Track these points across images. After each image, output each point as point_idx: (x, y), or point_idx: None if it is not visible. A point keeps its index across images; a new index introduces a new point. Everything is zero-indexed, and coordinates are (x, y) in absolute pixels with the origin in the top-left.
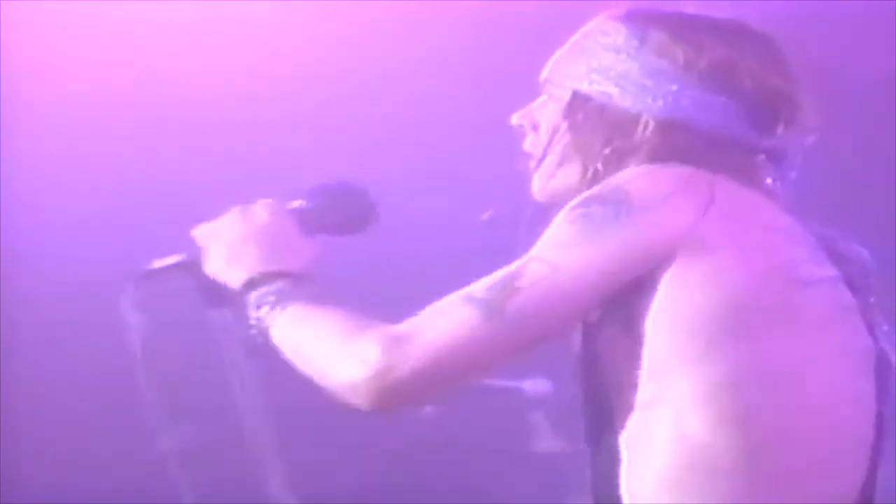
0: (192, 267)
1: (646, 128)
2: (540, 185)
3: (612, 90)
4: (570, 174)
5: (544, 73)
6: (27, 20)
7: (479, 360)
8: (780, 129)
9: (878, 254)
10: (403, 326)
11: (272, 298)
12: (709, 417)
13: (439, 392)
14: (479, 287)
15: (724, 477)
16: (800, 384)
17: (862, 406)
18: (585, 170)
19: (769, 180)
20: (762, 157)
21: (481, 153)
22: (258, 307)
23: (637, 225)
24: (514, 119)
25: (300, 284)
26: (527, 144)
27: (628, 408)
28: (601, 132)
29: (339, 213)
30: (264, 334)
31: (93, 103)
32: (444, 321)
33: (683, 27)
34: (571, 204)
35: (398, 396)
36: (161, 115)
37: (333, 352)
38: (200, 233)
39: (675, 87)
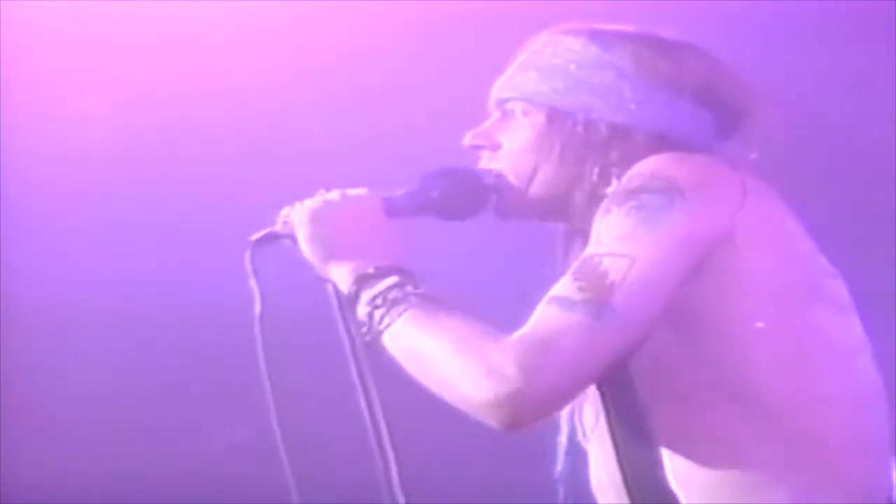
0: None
1: (638, 138)
2: (516, 202)
3: (598, 105)
4: (555, 188)
5: (501, 93)
6: (25, 22)
7: (603, 360)
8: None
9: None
10: (525, 340)
11: (381, 301)
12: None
13: (568, 403)
14: (570, 291)
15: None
16: (850, 358)
17: (881, 395)
18: (577, 182)
19: None
20: None
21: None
22: (369, 313)
23: (693, 208)
24: (469, 139)
25: (408, 283)
26: (486, 164)
27: (671, 400)
28: (594, 146)
29: (453, 194)
30: (376, 337)
31: (91, 112)
32: (562, 331)
33: (652, 43)
34: (612, 200)
35: (533, 415)
36: (161, 126)
37: (463, 367)
38: (295, 214)
39: (661, 99)
